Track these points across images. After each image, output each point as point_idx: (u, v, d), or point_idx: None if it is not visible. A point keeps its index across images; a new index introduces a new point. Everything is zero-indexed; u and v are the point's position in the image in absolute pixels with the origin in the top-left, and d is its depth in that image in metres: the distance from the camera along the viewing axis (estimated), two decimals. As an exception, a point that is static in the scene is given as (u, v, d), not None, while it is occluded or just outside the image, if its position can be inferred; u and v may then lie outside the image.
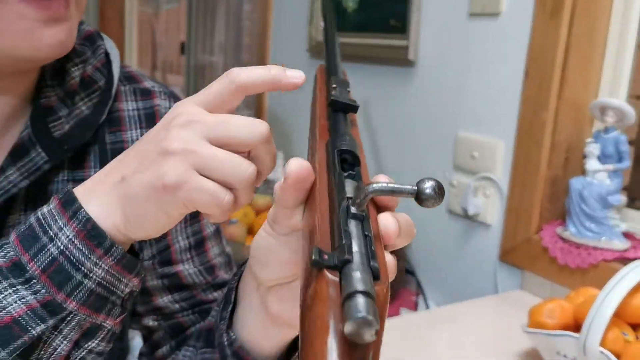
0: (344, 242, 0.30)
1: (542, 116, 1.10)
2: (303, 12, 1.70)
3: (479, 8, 1.21)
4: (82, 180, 0.61)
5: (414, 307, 1.36)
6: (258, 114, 1.96)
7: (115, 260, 0.42)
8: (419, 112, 1.38)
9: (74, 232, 0.42)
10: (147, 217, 0.41)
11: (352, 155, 0.39)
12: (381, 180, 0.34)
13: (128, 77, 0.66)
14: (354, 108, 0.45)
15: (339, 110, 0.44)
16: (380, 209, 0.37)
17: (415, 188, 0.33)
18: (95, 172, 0.59)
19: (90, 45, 0.62)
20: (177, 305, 0.67)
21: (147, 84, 0.67)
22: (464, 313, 1.10)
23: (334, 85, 0.46)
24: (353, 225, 0.32)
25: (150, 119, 0.64)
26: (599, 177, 1.06)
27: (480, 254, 1.25)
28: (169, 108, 0.63)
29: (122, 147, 0.62)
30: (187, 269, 0.67)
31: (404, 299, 1.36)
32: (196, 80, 3.08)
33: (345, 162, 0.39)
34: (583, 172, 1.09)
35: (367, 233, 0.32)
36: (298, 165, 0.37)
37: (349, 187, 0.35)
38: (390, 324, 1.24)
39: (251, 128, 0.40)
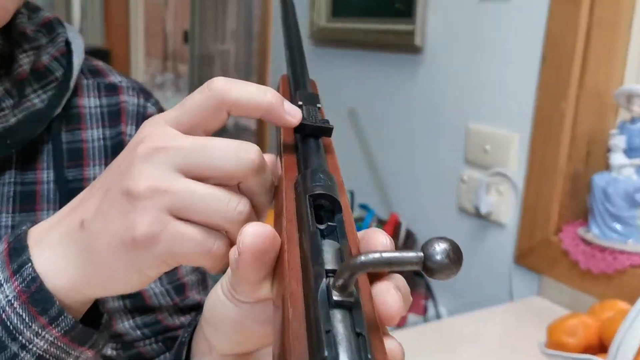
0: (325, 354, 0.21)
1: (561, 106, 1.00)
2: (304, -3, 1.60)
3: (491, -12, 1.10)
4: (33, 183, 0.53)
5: (423, 311, 1.27)
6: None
7: (63, 331, 0.34)
8: (426, 102, 1.28)
9: (15, 291, 0.34)
10: (113, 277, 0.33)
11: (331, 199, 0.29)
12: (374, 250, 0.25)
13: (93, 71, 0.60)
14: (327, 131, 0.36)
15: (309, 135, 0.35)
16: (373, 274, 0.28)
17: (421, 255, 0.23)
18: (47, 174, 0.55)
19: (48, 32, 0.57)
20: (139, 332, 0.59)
21: (114, 78, 0.61)
22: (475, 323, 1.01)
23: (300, 103, 0.37)
24: (338, 320, 0.23)
25: (114, 116, 0.59)
26: (625, 172, 0.96)
27: (494, 256, 1.16)
28: (138, 105, 0.60)
29: (79, 147, 0.57)
30: (152, 287, 0.59)
31: (412, 303, 1.27)
32: (201, 70, 3.00)
33: (321, 208, 0.29)
34: (607, 167, 0.99)
35: (358, 330, 0.22)
36: (256, 235, 0.28)
37: (329, 252, 0.26)
38: (397, 335, 1.15)
39: (237, 154, 0.32)
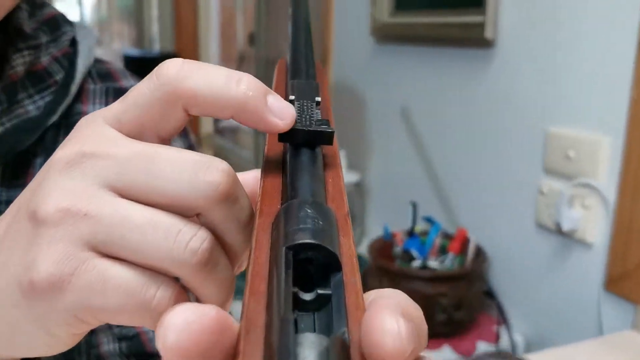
0: None
1: (663, 105, 0.84)
2: (365, -9, 1.49)
3: (575, -32, 0.95)
4: None
5: (495, 339, 1.12)
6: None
7: None
8: (499, 101, 1.14)
9: None
10: (13, 335, 0.24)
11: (323, 251, 0.19)
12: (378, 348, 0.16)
13: (103, 74, 0.53)
14: (326, 137, 0.25)
15: (301, 144, 0.25)
16: None
17: None
18: None
19: (50, 30, 0.51)
20: None
21: (126, 82, 0.54)
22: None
23: (292, 97, 0.26)
24: None
25: None
26: None
27: (578, 280, 1.00)
28: None
29: None
30: (151, 330, 0.49)
31: (482, 328, 1.13)
32: (266, 74, 2.93)
33: (310, 263, 0.19)
34: None
35: None
36: (185, 327, 0.17)
37: (309, 358, 0.15)
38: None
39: (195, 173, 0.23)
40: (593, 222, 0.96)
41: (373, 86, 1.53)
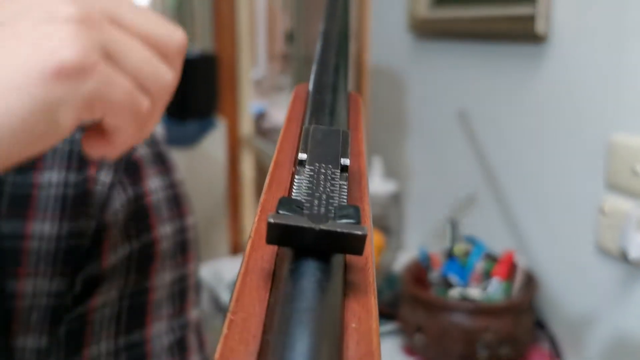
0: None
1: None
2: (402, -17, 1.35)
3: (646, -53, 0.79)
4: None
5: (548, 379, 0.97)
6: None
7: None
8: (552, 105, 0.99)
9: None
10: (18, 125, 0.25)
11: None
12: None
13: None
14: (351, 242, 0.13)
15: (307, 250, 0.13)
16: None
17: None
18: None
19: None
20: None
21: None
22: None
23: (304, 157, 0.16)
24: None
25: (84, 156, 0.46)
26: None
27: (648, 316, 0.85)
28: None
29: (27, 194, 0.45)
30: None
31: (533, 364, 0.98)
32: (306, 72, 2.84)
33: None
34: None
35: None
36: None
37: None
38: None
39: (170, 31, 0.31)
40: (667, 249, 0.81)
41: (413, 87, 1.40)
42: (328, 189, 0.15)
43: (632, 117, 0.85)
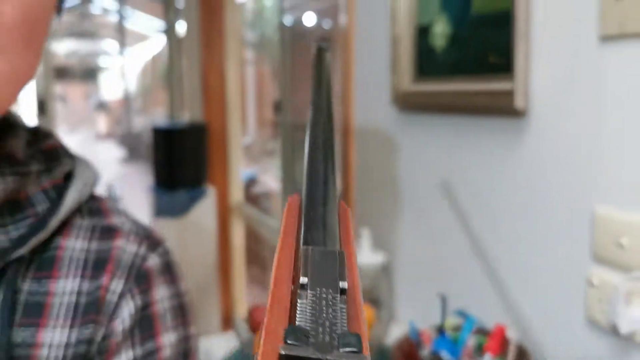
0: None
1: None
2: (384, 58, 1.39)
3: (614, 27, 0.82)
4: None
5: None
6: (345, 170, 1.66)
7: None
8: (535, 178, 1.00)
9: None
10: None
11: None
12: None
13: (93, 211, 0.52)
14: None
15: None
16: None
17: None
18: None
19: (46, 160, 0.50)
20: None
21: (116, 220, 0.51)
22: None
23: (305, 281, 0.17)
24: None
25: (99, 265, 0.48)
26: None
27: (644, 393, 0.83)
28: (135, 255, 0.50)
29: (42, 302, 0.46)
30: None
31: None
32: (292, 140, 2.86)
33: None
34: None
35: None
36: None
37: None
38: None
39: None
40: (658, 324, 0.80)
41: (399, 157, 1.41)
42: (330, 315, 0.17)
43: (615, 190, 0.86)
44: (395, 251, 1.44)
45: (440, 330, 1.02)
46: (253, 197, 4.05)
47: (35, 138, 0.51)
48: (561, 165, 0.94)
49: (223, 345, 1.42)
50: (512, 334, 0.98)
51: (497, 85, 1.04)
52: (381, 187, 1.50)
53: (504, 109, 1.03)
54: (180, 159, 3.00)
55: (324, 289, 0.17)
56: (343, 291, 0.17)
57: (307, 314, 0.16)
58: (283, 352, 0.15)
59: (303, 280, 0.18)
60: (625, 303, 0.82)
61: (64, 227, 0.49)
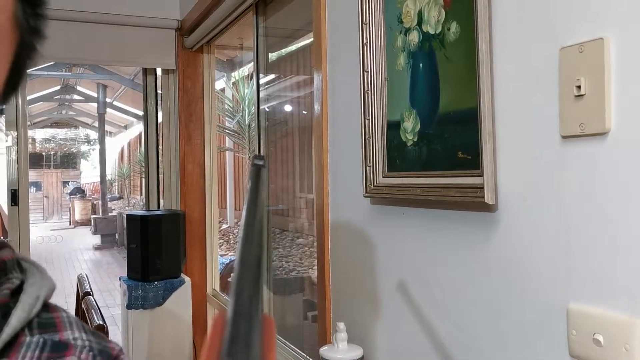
0: None
1: None
2: (357, 151, 1.42)
3: (574, 128, 0.85)
4: None
5: None
6: (320, 273, 1.64)
7: None
8: (507, 274, 1.00)
9: None
10: None
11: None
12: None
13: (44, 324, 0.49)
14: None
15: None
16: None
17: None
18: None
19: None
20: None
21: (69, 335, 0.49)
22: None
23: None
24: None
25: None
26: None
27: None
28: None
29: None
30: None
31: None
32: (268, 224, 2.86)
33: None
34: None
35: None
36: None
37: None
38: None
39: None
40: None
41: (371, 249, 1.41)
42: None
43: (588, 286, 0.86)
44: (371, 345, 1.41)
45: None
46: (230, 284, 3.98)
47: None
48: (532, 260, 0.95)
49: None
50: None
51: (466, 180, 1.06)
52: (356, 279, 1.48)
53: (474, 203, 1.04)
54: (156, 248, 2.96)
55: None
56: None
57: None
58: None
59: None
60: (605, 403, 0.81)
61: (9, 347, 0.47)
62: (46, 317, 0.50)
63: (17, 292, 0.48)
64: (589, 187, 0.84)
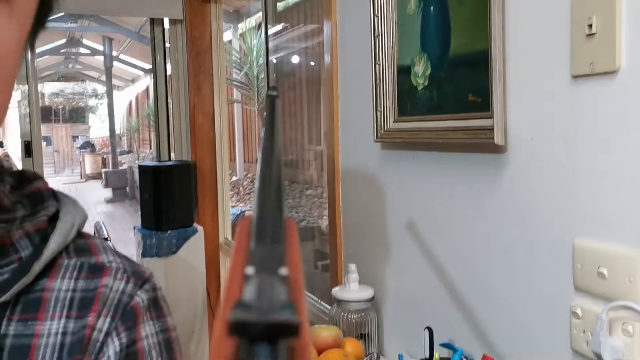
0: None
1: None
2: (367, 98, 1.43)
3: (585, 68, 0.86)
4: None
5: None
6: (331, 214, 1.68)
7: None
8: (515, 211, 1.03)
9: None
10: None
11: None
12: None
13: (80, 249, 0.53)
14: (289, 329, 0.19)
15: (257, 339, 0.19)
16: None
17: None
18: None
19: (32, 204, 0.51)
20: None
21: (104, 258, 0.52)
22: None
23: (249, 273, 0.20)
24: None
25: (85, 304, 0.49)
26: None
27: (630, 421, 0.84)
28: (122, 292, 0.51)
29: (27, 344, 0.47)
30: None
31: None
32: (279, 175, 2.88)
33: None
34: None
35: None
36: None
37: None
38: None
39: None
40: (639, 352, 0.82)
41: (382, 194, 1.44)
42: (271, 292, 0.19)
43: (593, 222, 0.88)
44: (382, 286, 1.46)
45: (429, 363, 1.03)
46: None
47: (20, 182, 0.52)
48: (540, 199, 0.97)
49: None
50: (499, 366, 0.99)
51: (476, 122, 1.07)
52: (367, 224, 1.52)
53: (484, 145, 1.06)
54: (168, 198, 3.01)
55: (266, 275, 0.20)
56: (283, 278, 0.20)
57: (252, 292, 0.19)
58: (230, 319, 0.18)
59: (248, 271, 0.20)
60: (607, 332, 0.84)
61: (49, 269, 0.50)
62: (81, 242, 0.53)
63: (53, 220, 0.51)
64: (598, 125, 0.86)
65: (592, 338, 0.86)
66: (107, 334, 0.49)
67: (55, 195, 0.53)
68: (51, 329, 0.48)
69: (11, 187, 0.51)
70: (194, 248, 3.09)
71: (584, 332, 0.90)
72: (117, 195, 12.58)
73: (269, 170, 0.31)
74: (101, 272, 0.51)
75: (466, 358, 1.04)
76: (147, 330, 0.51)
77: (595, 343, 0.85)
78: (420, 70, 1.24)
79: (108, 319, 0.49)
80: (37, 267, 0.48)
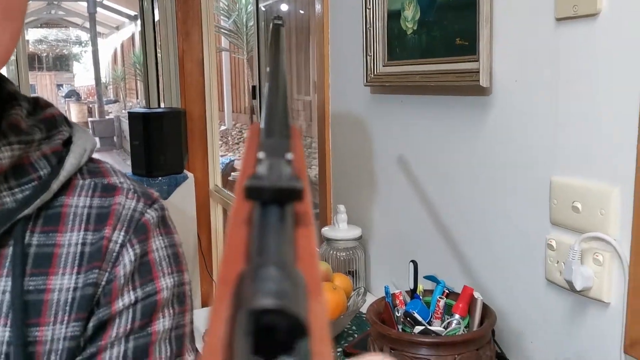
0: None
1: (673, 151, 0.77)
2: (357, 44, 1.45)
3: (568, 10, 0.90)
4: None
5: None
6: (321, 147, 1.72)
7: None
8: (499, 150, 1.08)
9: None
10: None
11: (287, 317, 0.17)
12: None
13: (93, 171, 0.57)
14: (294, 193, 0.23)
15: (269, 202, 0.23)
16: None
17: None
18: (5, 282, 0.49)
19: (47, 128, 0.55)
20: None
21: (115, 179, 0.57)
22: None
23: (260, 156, 0.24)
24: None
25: (101, 219, 0.54)
26: None
27: (596, 342, 0.91)
28: (134, 210, 0.55)
29: (50, 252, 0.52)
30: None
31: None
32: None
33: (272, 330, 0.17)
34: None
35: None
36: None
37: None
38: None
39: None
40: (607, 279, 0.88)
41: (371, 137, 1.48)
42: (279, 169, 0.23)
43: (570, 160, 0.94)
44: (369, 226, 1.52)
45: (413, 293, 1.09)
46: (231, 184, 4.08)
47: (35, 108, 0.56)
48: (522, 139, 1.02)
49: (204, 319, 1.48)
50: (477, 296, 1.06)
51: (463, 65, 1.11)
52: (356, 166, 1.57)
53: (470, 87, 1.10)
54: (159, 144, 3.03)
55: (275, 159, 0.24)
56: (289, 161, 0.24)
57: (263, 168, 0.23)
58: (246, 185, 0.22)
59: (260, 155, 0.24)
60: (579, 261, 0.91)
61: (66, 187, 0.54)
62: (93, 166, 0.58)
63: (67, 144, 0.56)
64: (579, 67, 0.90)
65: (565, 267, 0.92)
66: (122, 245, 0.53)
67: (67, 121, 0.58)
68: (71, 240, 0.52)
69: (27, 112, 0.54)
70: (185, 194, 3.13)
71: (557, 262, 0.96)
72: (105, 144, 12.52)
73: (275, 83, 0.35)
74: (114, 192, 0.56)
75: (448, 289, 1.11)
76: (157, 244, 0.56)
77: (567, 271, 0.91)
78: (410, 14, 1.27)
79: (122, 233, 0.54)
80: (55, 185, 0.52)
